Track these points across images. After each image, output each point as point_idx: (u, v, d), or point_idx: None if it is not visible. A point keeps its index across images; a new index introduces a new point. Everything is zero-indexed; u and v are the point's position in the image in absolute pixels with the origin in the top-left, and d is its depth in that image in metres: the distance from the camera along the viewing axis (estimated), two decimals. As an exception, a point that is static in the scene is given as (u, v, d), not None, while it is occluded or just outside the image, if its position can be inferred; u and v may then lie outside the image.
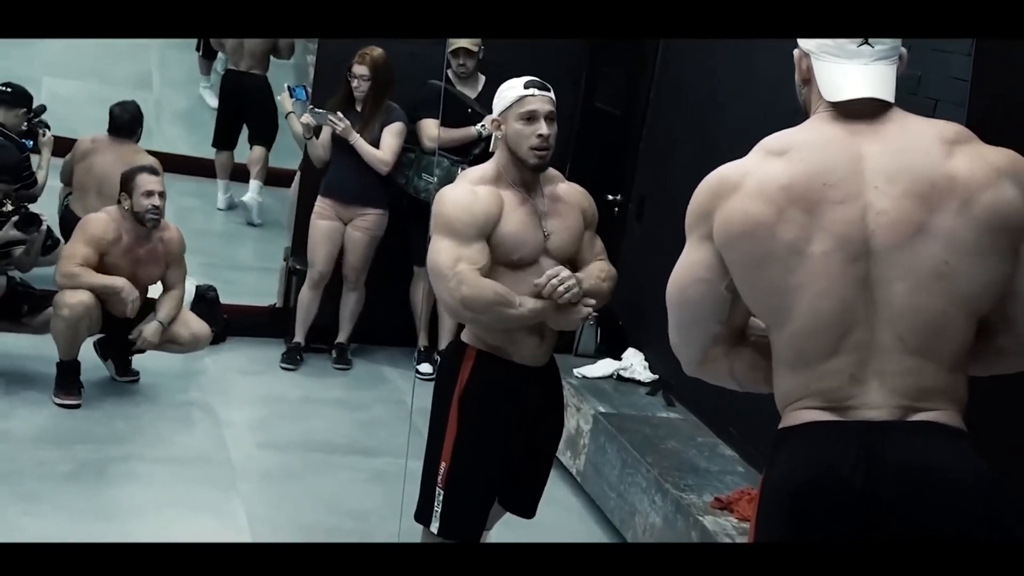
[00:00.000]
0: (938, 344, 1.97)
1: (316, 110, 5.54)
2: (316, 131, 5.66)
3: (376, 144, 5.52)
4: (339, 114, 5.47)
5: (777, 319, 2.03)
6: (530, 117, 3.15)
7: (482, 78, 5.62)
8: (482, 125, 5.40)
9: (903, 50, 2.05)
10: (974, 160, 1.91)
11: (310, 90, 6.05)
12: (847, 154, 1.97)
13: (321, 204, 5.63)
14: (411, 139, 5.61)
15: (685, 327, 2.16)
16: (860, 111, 2.00)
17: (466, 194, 3.19)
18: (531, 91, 3.19)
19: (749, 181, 2.00)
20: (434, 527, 3.32)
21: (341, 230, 5.63)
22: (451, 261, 3.09)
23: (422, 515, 3.38)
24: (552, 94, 3.25)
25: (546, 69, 4.02)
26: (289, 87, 6.09)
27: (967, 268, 1.92)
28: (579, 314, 3.25)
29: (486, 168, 3.29)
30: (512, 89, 3.23)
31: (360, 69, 5.44)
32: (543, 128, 3.15)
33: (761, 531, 2.08)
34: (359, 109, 5.52)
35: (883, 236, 1.94)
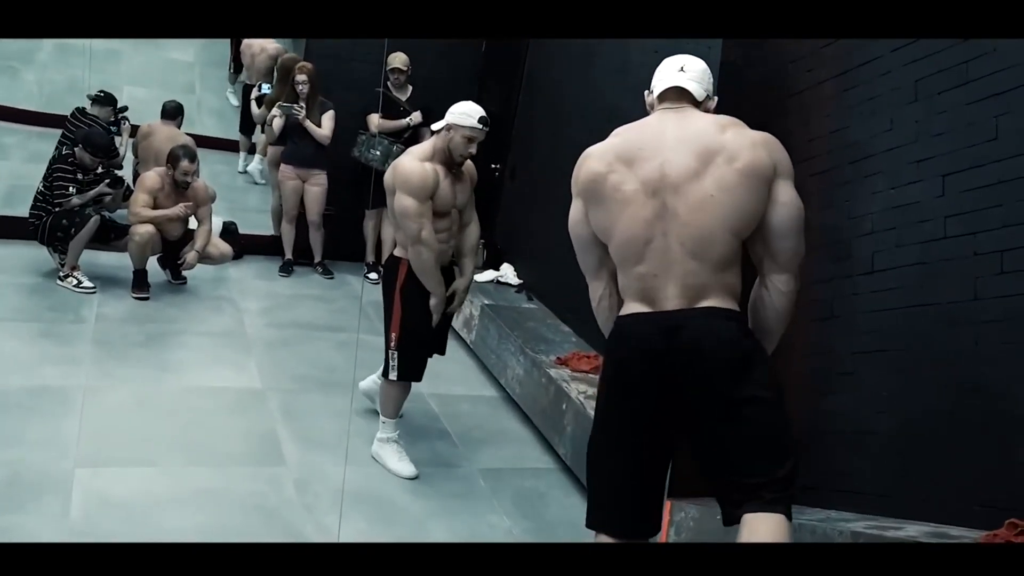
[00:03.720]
0: (707, 250, 2.22)
1: (282, 104, 6.13)
2: (268, 121, 6.26)
3: (318, 126, 6.14)
4: (297, 106, 6.06)
5: (608, 236, 2.35)
6: (471, 139, 3.63)
7: (410, 87, 6.33)
8: (410, 118, 6.21)
9: (714, 98, 2.43)
10: (738, 135, 2.26)
11: (268, 87, 6.93)
12: (655, 130, 2.33)
13: (285, 170, 6.23)
14: (363, 125, 6.21)
15: (579, 253, 2.48)
16: (670, 108, 2.39)
17: (420, 168, 3.59)
18: (480, 126, 3.62)
19: (595, 151, 2.38)
20: (392, 376, 3.77)
21: (301, 187, 6.29)
22: (417, 211, 3.56)
23: (385, 372, 3.83)
24: (487, 129, 3.64)
25: (454, 84, 4.92)
26: (260, 85, 7.04)
27: (727, 199, 2.22)
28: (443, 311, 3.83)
29: (425, 148, 3.66)
30: (471, 117, 3.59)
31: (301, 76, 6.06)
32: (473, 149, 3.64)
33: (604, 383, 2.38)
34: (301, 104, 6.10)
35: (672, 178, 2.25)
